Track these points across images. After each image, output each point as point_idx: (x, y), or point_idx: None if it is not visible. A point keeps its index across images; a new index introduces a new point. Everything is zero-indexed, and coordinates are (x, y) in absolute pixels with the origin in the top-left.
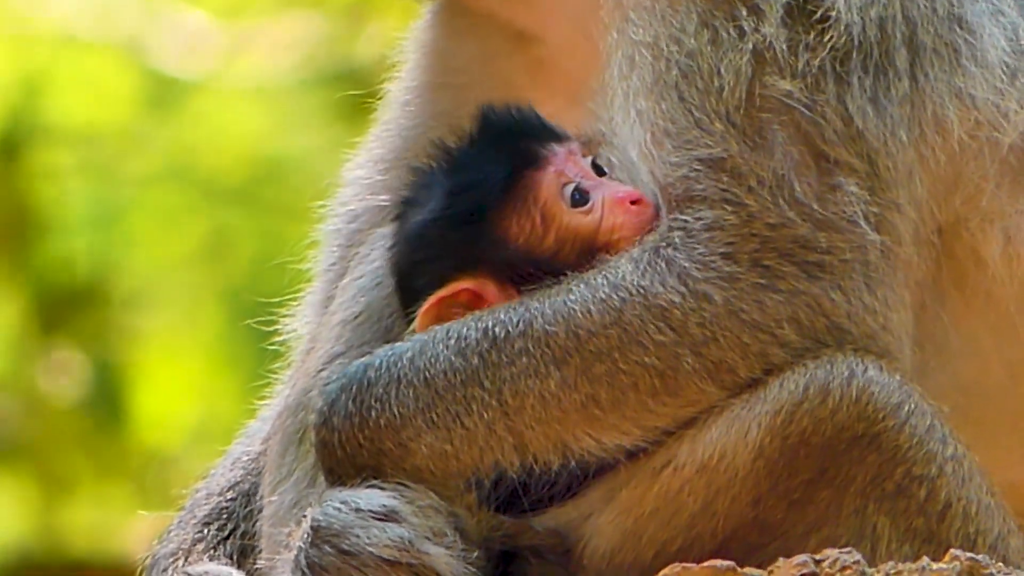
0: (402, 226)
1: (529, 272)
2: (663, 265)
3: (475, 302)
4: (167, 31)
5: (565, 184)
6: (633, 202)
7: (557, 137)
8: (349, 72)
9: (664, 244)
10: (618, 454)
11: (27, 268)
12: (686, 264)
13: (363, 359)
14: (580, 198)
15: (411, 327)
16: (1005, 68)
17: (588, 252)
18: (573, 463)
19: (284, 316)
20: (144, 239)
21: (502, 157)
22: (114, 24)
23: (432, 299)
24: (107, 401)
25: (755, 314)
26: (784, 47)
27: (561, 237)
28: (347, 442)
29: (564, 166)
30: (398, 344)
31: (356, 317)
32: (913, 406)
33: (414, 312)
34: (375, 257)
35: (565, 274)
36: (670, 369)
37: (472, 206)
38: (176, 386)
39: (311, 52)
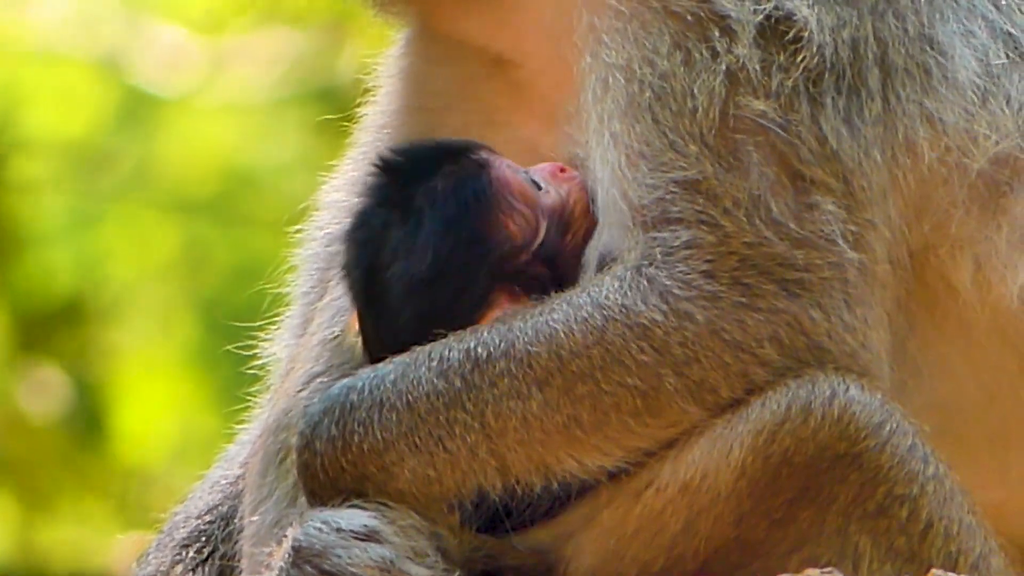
0: (381, 287)
1: (536, 269)
2: (645, 283)
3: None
4: (147, 46)
5: (520, 173)
6: (561, 170)
7: (474, 144)
8: (328, 90)
9: (646, 262)
10: (600, 475)
11: (6, 284)
12: (668, 283)
13: (345, 381)
14: (535, 182)
15: None
16: (976, 90)
17: (563, 226)
18: (555, 484)
19: (262, 339)
20: (121, 255)
21: (462, 172)
22: (94, 39)
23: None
24: (87, 418)
25: (736, 334)
26: (757, 68)
27: (547, 219)
28: (330, 466)
29: (506, 161)
30: (380, 366)
31: (335, 337)
32: (895, 425)
33: None
34: None
35: (563, 258)
36: (652, 389)
37: (472, 226)
38: (154, 402)
39: (290, 69)
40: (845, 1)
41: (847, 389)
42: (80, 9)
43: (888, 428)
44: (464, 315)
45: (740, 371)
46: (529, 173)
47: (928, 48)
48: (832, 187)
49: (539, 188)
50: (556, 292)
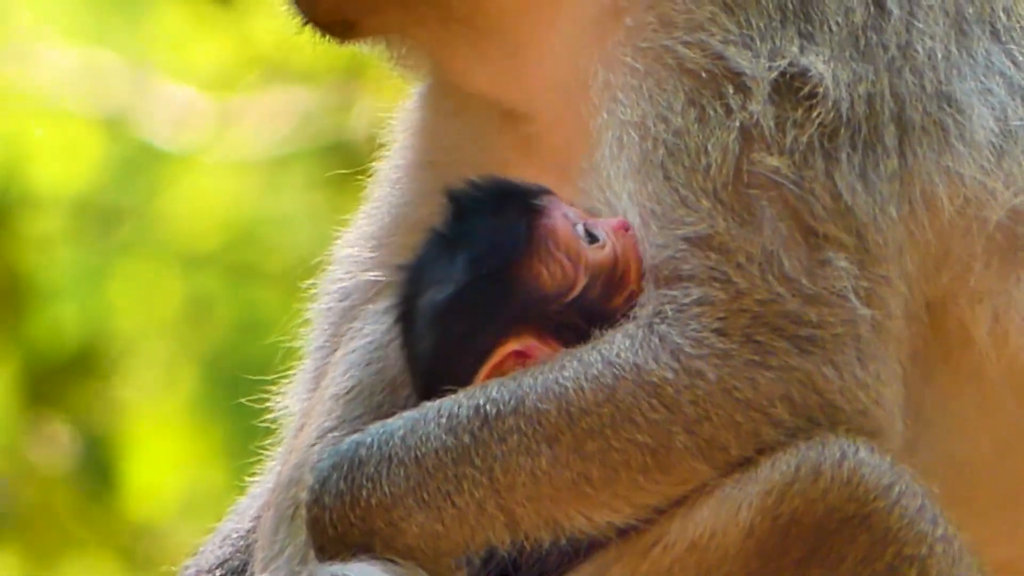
0: (414, 314)
1: (568, 319)
2: (656, 341)
3: (523, 363)
4: (154, 103)
5: (574, 225)
6: (626, 228)
7: (539, 188)
8: (337, 146)
9: (657, 319)
10: (609, 532)
11: (15, 338)
12: (679, 340)
13: (355, 436)
14: (592, 235)
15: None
16: (992, 149)
17: (612, 285)
18: (564, 540)
19: (271, 392)
20: (128, 309)
21: (510, 214)
22: (101, 95)
23: (484, 372)
24: (95, 472)
25: (748, 392)
26: (771, 124)
27: (591, 274)
28: (338, 521)
29: (564, 210)
30: (389, 421)
31: (348, 392)
32: (904, 487)
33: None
34: (367, 332)
35: (603, 315)
36: (662, 447)
37: (499, 265)
38: (162, 455)
39: (299, 126)
40: (861, 56)
41: (857, 451)
42: (87, 65)
43: (897, 489)
44: (477, 350)
45: (751, 430)
46: (591, 225)
47: (946, 106)
48: (845, 243)
49: (595, 240)
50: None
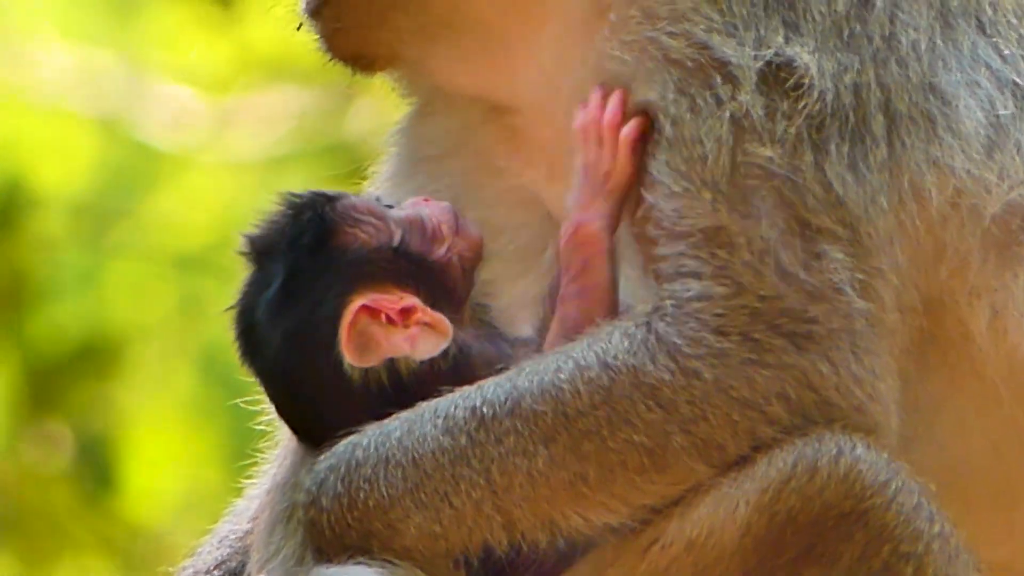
0: (254, 329)
1: (401, 268)
2: (653, 340)
3: (377, 318)
4: (152, 104)
5: (370, 199)
6: (424, 200)
7: (318, 190)
8: (334, 147)
9: (656, 315)
10: (606, 532)
11: (14, 338)
12: (677, 340)
13: (351, 438)
14: (386, 202)
15: (351, 367)
16: (982, 141)
17: (428, 238)
18: (561, 540)
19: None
20: (126, 310)
21: (306, 211)
22: (99, 97)
23: (343, 337)
24: (93, 473)
25: (744, 391)
26: (761, 114)
27: (403, 228)
28: (336, 523)
29: (354, 197)
30: (386, 423)
31: None
32: (900, 484)
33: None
34: None
35: (432, 266)
36: (659, 447)
37: (313, 243)
38: (160, 456)
39: (296, 127)
40: (846, 47)
41: (854, 447)
42: (84, 65)
43: (894, 486)
44: (327, 323)
45: (747, 429)
46: (383, 199)
47: (932, 97)
48: (839, 235)
49: (391, 206)
50: (440, 297)
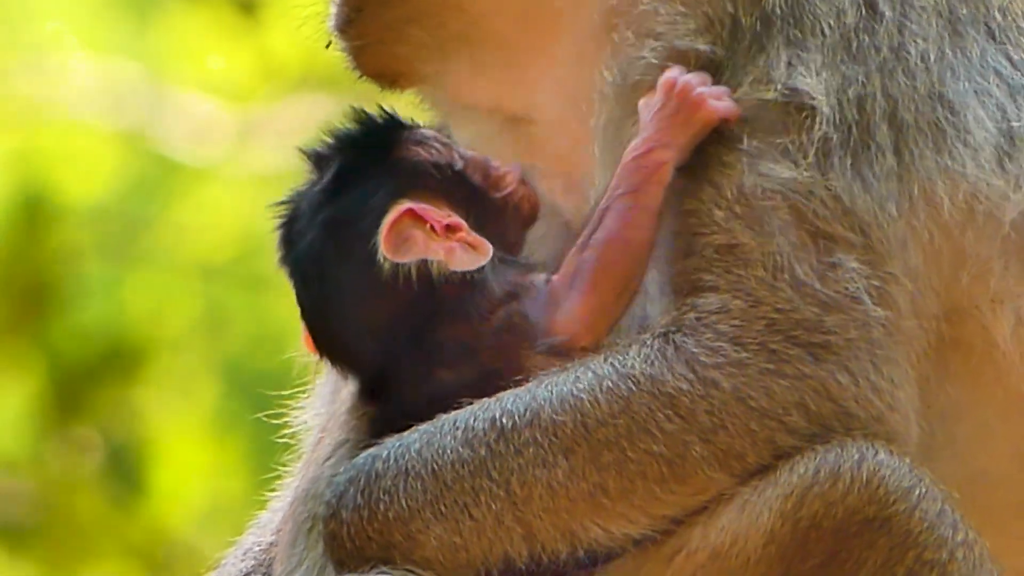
0: (298, 221)
1: (456, 190)
2: (672, 351)
3: (420, 224)
4: (174, 116)
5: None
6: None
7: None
8: None
9: (675, 328)
10: (626, 543)
11: (40, 347)
12: (695, 350)
13: (371, 450)
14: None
15: (384, 259)
16: (994, 148)
17: (490, 178)
18: (581, 551)
19: (289, 406)
20: (150, 320)
21: (373, 115)
22: (121, 109)
23: (383, 232)
24: (119, 479)
25: (763, 401)
26: (765, 137)
27: (465, 161)
28: (356, 535)
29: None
30: (405, 435)
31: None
32: (924, 490)
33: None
34: None
35: (489, 206)
36: (678, 457)
37: (377, 150)
38: (184, 465)
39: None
40: (852, 59)
41: (876, 453)
42: (107, 78)
43: (917, 492)
44: (374, 212)
45: (767, 438)
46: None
47: (940, 106)
48: (853, 242)
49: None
50: (487, 230)
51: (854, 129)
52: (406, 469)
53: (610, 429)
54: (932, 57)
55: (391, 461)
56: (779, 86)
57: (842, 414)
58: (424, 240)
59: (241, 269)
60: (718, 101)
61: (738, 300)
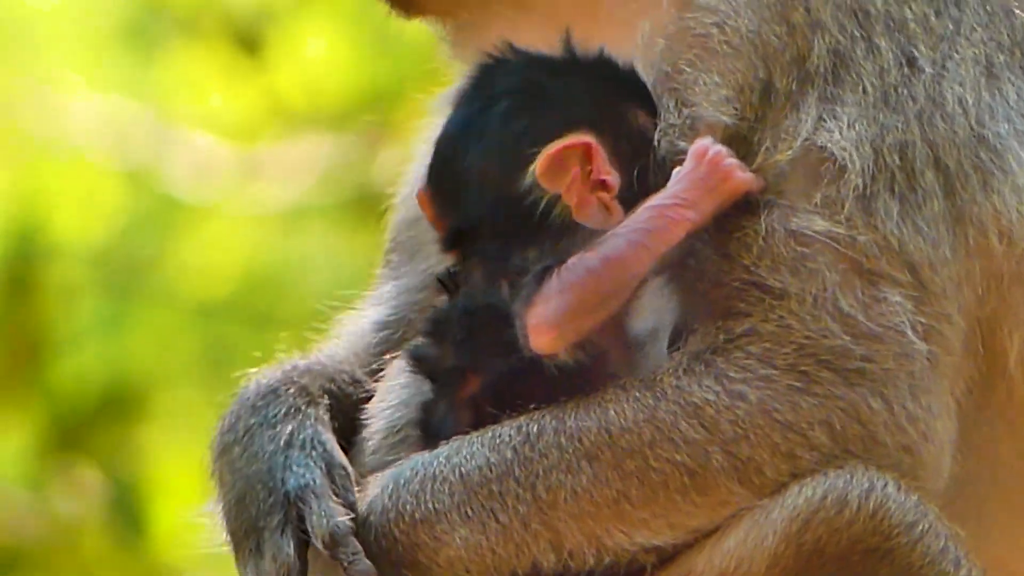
0: (463, 125)
1: (634, 144)
2: (701, 368)
3: (587, 165)
4: (178, 154)
5: None
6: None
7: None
8: (363, 197)
9: (705, 349)
10: (651, 553)
11: (41, 386)
12: (723, 366)
13: (399, 463)
14: None
15: (531, 173)
16: None
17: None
18: (607, 559)
19: None
20: (151, 357)
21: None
22: (125, 146)
23: (547, 153)
24: (121, 518)
25: (788, 414)
26: (800, 193)
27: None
28: (383, 536)
29: None
30: (434, 451)
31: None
32: (927, 526)
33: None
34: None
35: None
36: (700, 467)
37: (568, 67)
38: (187, 501)
39: (323, 176)
40: (890, 108)
41: (885, 485)
42: (109, 116)
43: (921, 528)
44: (543, 133)
45: (787, 451)
46: None
47: (981, 149)
48: (899, 279)
49: None
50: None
51: (898, 175)
52: (433, 474)
53: (634, 436)
54: (970, 101)
55: (419, 467)
56: (806, 142)
57: (868, 438)
58: (576, 182)
59: (242, 307)
60: (745, 173)
61: (769, 325)
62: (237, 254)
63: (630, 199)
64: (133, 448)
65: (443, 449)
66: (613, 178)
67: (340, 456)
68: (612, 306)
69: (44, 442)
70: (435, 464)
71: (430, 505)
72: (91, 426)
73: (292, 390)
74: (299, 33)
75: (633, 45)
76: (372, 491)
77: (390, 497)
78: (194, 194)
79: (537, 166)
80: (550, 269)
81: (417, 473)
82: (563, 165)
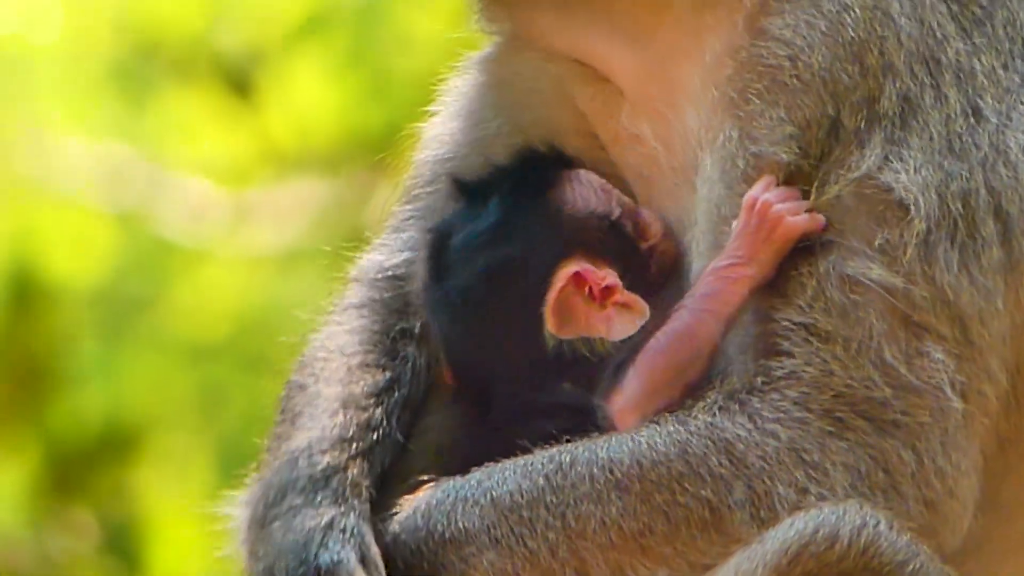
0: (449, 263)
1: (613, 245)
2: (736, 407)
3: (583, 291)
4: (170, 197)
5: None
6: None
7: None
8: (357, 240)
9: (741, 388)
10: None
11: (36, 427)
12: (758, 405)
13: (429, 485)
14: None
15: (550, 335)
16: None
17: (640, 227)
18: None
19: None
20: (146, 399)
21: (532, 172)
22: (119, 189)
23: (551, 301)
24: (118, 559)
25: (815, 454)
26: (861, 238)
27: (622, 208)
28: (411, 554)
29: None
30: (466, 475)
31: None
32: (919, 566)
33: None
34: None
35: (638, 256)
36: (721, 503)
37: (535, 193)
38: (183, 543)
39: (317, 219)
40: (955, 156)
41: (877, 523)
42: (102, 159)
43: (912, 567)
44: (541, 272)
45: (802, 487)
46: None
47: None
48: (944, 335)
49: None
50: (636, 284)
51: (960, 223)
52: (465, 496)
53: (663, 470)
54: None
55: (451, 489)
56: (871, 180)
57: (891, 488)
58: (585, 313)
59: (236, 349)
60: (796, 217)
61: (812, 369)
62: (230, 297)
63: (635, 273)
64: (127, 489)
65: (476, 474)
66: (611, 277)
67: (376, 552)
68: (690, 375)
69: (40, 482)
70: (467, 487)
71: (460, 525)
72: (86, 467)
73: (340, 478)
74: (291, 76)
75: (698, 59)
76: (404, 511)
77: (422, 517)
78: (187, 237)
79: (549, 324)
80: (625, 362)
81: (449, 495)
82: (568, 306)
